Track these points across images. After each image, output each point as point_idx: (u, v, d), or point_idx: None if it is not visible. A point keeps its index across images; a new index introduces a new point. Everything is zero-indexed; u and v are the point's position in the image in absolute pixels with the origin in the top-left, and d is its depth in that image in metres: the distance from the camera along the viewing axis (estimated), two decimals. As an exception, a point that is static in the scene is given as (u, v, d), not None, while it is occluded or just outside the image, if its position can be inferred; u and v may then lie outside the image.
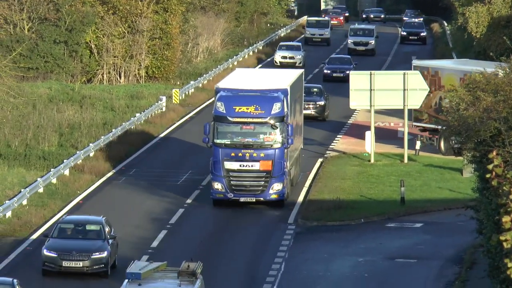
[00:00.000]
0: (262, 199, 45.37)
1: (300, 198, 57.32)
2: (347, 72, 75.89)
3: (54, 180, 55.57)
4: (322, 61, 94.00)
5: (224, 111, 45.88)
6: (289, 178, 48.44)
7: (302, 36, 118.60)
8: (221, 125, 46.18)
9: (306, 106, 69.08)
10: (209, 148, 46.19)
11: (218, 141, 46.15)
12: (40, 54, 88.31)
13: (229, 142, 46.16)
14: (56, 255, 37.87)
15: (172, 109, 76.98)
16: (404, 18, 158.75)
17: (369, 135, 67.11)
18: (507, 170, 18.74)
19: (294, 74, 53.99)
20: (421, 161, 66.44)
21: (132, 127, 69.35)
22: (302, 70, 54.94)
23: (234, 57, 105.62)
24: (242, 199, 45.46)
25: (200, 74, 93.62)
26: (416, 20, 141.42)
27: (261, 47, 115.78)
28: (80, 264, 38.47)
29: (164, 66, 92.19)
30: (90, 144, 62.82)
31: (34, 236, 47.98)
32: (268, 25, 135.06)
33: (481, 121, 34.59)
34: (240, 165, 45.79)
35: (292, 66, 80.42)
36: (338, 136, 74.02)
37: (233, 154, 45.73)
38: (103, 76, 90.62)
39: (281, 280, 43.37)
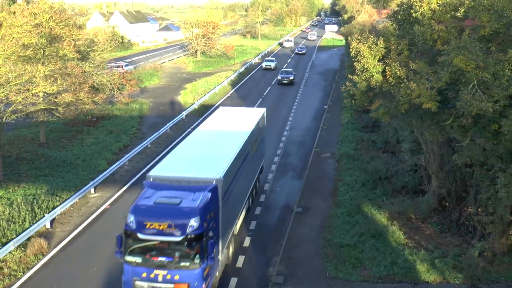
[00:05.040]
0: None
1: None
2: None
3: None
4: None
5: (134, 227, 20.58)
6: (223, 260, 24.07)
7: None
8: (132, 242, 20.76)
9: (285, 78, 67.41)
10: (122, 263, 21.18)
11: (128, 258, 20.81)
12: None
13: (140, 261, 20.65)
14: None
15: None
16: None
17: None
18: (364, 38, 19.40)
19: (254, 122, 31.28)
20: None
21: None
22: (264, 110, 32.75)
23: None
24: None
25: None
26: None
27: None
28: None
29: None
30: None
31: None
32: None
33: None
34: None
35: (270, 69, 78.51)
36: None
37: (144, 275, 20.46)
38: None
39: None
